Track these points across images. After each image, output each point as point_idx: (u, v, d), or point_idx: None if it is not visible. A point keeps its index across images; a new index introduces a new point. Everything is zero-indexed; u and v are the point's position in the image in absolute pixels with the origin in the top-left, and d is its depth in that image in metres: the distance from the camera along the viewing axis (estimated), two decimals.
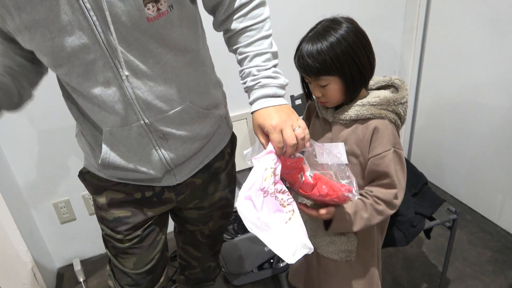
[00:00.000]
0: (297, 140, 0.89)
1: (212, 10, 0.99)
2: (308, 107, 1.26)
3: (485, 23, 1.81)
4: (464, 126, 2.08)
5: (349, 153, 1.07)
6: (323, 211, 1.04)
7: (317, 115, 1.20)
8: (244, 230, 2.11)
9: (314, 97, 1.13)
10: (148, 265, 1.23)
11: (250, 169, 0.91)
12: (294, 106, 1.63)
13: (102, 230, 1.18)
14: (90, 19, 0.79)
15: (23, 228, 1.72)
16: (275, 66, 0.98)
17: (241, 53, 0.97)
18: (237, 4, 0.95)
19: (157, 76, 0.90)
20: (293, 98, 1.63)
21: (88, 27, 0.80)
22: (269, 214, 0.87)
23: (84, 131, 1.04)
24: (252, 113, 0.96)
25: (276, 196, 0.90)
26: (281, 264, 1.90)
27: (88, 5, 0.77)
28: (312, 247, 0.88)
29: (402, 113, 1.06)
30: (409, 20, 2.18)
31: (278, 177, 0.90)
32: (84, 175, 1.11)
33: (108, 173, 1.05)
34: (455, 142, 2.16)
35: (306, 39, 1.04)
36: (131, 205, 1.08)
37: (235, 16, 0.97)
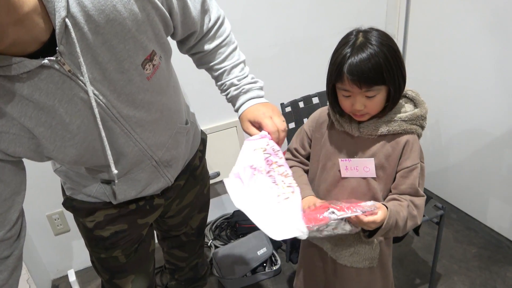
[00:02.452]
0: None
1: (183, 40, 1.04)
2: (316, 118, 1.21)
3: (464, 30, 1.90)
4: (447, 127, 2.16)
5: (378, 167, 1.08)
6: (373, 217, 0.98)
7: (331, 127, 1.15)
8: (236, 235, 2.14)
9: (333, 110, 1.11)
10: (146, 282, 1.25)
11: None
12: (284, 114, 1.68)
13: (95, 254, 1.17)
14: (100, 102, 0.81)
15: None
16: (248, 72, 1.09)
17: (217, 69, 1.07)
18: (205, 28, 1.02)
19: (158, 118, 0.95)
20: (283, 106, 1.68)
21: (101, 111, 0.82)
22: (258, 189, 0.89)
23: (76, 171, 1.03)
24: (240, 115, 1.06)
25: (271, 175, 0.93)
26: (274, 268, 1.93)
27: (96, 92, 0.79)
28: (306, 231, 0.87)
29: (424, 125, 1.09)
30: (390, 28, 2.26)
31: (282, 161, 0.96)
32: (72, 202, 1.09)
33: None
34: (437, 142, 2.24)
35: (351, 49, 0.97)
36: (126, 218, 1.10)
37: (206, 39, 1.04)
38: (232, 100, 1.09)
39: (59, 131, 0.79)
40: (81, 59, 0.73)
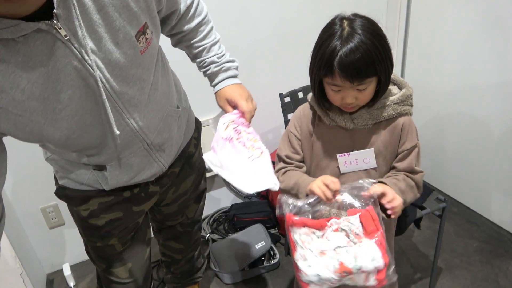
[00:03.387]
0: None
1: (165, 18, 1.05)
2: (300, 117, 1.15)
3: (466, 21, 1.86)
4: (448, 120, 2.13)
5: (378, 156, 1.06)
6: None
7: (320, 122, 1.10)
8: (234, 229, 2.12)
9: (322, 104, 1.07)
10: (144, 270, 1.23)
11: None
12: (283, 104, 1.65)
13: (90, 244, 1.15)
14: (95, 72, 0.78)
15: (10, 234, 1.69)
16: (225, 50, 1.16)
17: (197, 47, 1.13)
18: (183, 8, 1.05)
19: (148, 98, 0.93)
20: (281, 96, 1.65)
21: (93, 82, 0.80)
22: (229, 154, 1.00)
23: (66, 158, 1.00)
24: (217, 91, 1.14)
25: (241, 141, 1.03)
26: (273, 261, 1.91)
27: (89, 62, 0.77)
28: (277, 183, 0.96)
29: (413, 104, 1.07)
30: (391, 19, 2.22)
31: (250, 129, 1.07)
32: (64, 191, 1.07)
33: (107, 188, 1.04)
34: (438, 136, 2.21)
35: (339, 43, 0.92)
36: (121, 205, 1.08)
37: (186, 19, 1.08)
38: (211, 76, 1.15)
39: (51, 102, 0.76)
40: (81, 21, 0.72)
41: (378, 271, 0.94)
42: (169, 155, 1.09)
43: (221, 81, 1.13)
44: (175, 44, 1.16)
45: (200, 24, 1.10)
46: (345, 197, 0.98)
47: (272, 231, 2.12)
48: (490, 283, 1.74)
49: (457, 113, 2.05)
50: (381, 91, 0.99)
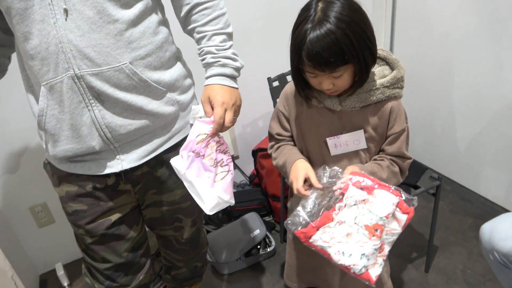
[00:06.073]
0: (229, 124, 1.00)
1: None
2: (287, 95, 1.12)
3: None
4: (437, 98, 2.11)
5: (368, 140, 1.06)
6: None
7: (308, 103, 1.08)
8: (229, 219, 2.09)
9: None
10: (117, 261, 1.18)
11: None
12: (272, 88, 1.61)
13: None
14: None
15: None
16: (231, 47, 1.06)
17: (199, 32, 1.04)
18: None
19: (94, 20, 0.87)
20: (270, 80, 1.61)
21: None
22: (197, 174, 0.99)
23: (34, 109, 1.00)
24: (206, 85, 1.04)
25: (211, 158, 1.01)
26: (269, 249, 1.89)
27: None
28: (233, 202, 1.02)
29: (404, 85, 1.04)
30: None
31: (223, 146, 1.03)
32: (46, 166, 1.11)
33: (53, 153, 1.00)
34: (428, 114, 2.20)
35: (308, 30, 0.88)
36: (86, 199, 1.07)
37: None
38: (206, 67, 1.06)
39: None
40: None
41: (398, 206, 0.93)
42: (111, 117, 0.96)
43: (213, 76, 1.02)
44: (185, 28, 1.10)
45: (205, 7, 1.02)
46: (325, 180, 0.98)
47: (267, 218, 2.11)
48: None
49: (447, 89, 2.04)
50: (358, 80, 0.96)
